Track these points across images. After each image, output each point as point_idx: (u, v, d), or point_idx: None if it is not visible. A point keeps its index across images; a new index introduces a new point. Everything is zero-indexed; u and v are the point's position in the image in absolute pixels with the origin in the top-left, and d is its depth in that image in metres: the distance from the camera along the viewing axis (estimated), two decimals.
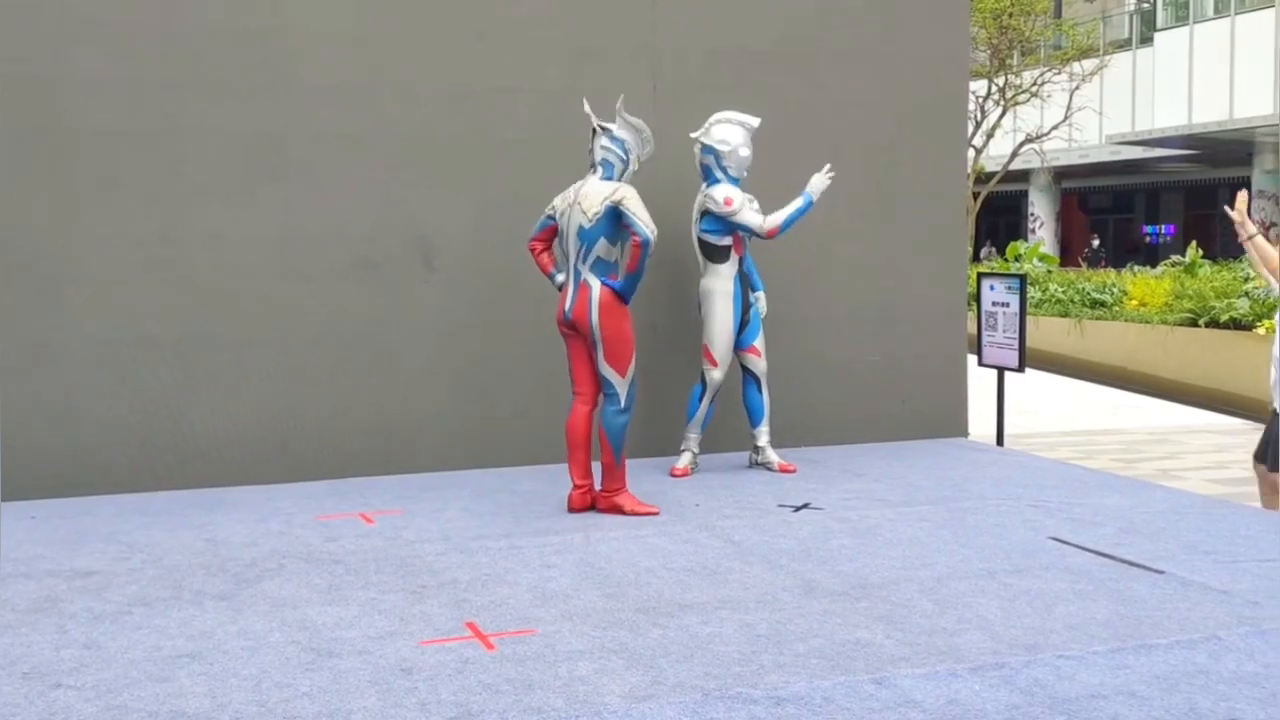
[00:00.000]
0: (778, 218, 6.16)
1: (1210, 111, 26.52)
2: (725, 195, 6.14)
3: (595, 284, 5.37)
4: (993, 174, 25.97)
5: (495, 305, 6.52)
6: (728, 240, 6.19)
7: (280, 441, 6.17)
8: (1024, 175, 32.82)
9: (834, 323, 7.12)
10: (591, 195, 5.40)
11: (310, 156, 6.19)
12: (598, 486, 5.52)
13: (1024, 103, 25.99)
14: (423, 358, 6.41)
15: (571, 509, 5.49)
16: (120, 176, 5.93)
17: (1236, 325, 13.14)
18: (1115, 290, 16.84)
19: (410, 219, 6.37)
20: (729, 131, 6.21)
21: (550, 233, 5.65)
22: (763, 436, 6.43)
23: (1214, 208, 35.54)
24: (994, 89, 25.23)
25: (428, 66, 6.37)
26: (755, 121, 6.25)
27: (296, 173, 6.18)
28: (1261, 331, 12.13)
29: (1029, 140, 25.99)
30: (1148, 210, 38.37)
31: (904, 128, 7.28)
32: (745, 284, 6.30)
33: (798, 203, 6.18)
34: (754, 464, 6.46)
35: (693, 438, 6.33)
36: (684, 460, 6.31)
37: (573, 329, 5.45)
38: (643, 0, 6.76)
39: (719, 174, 6.20)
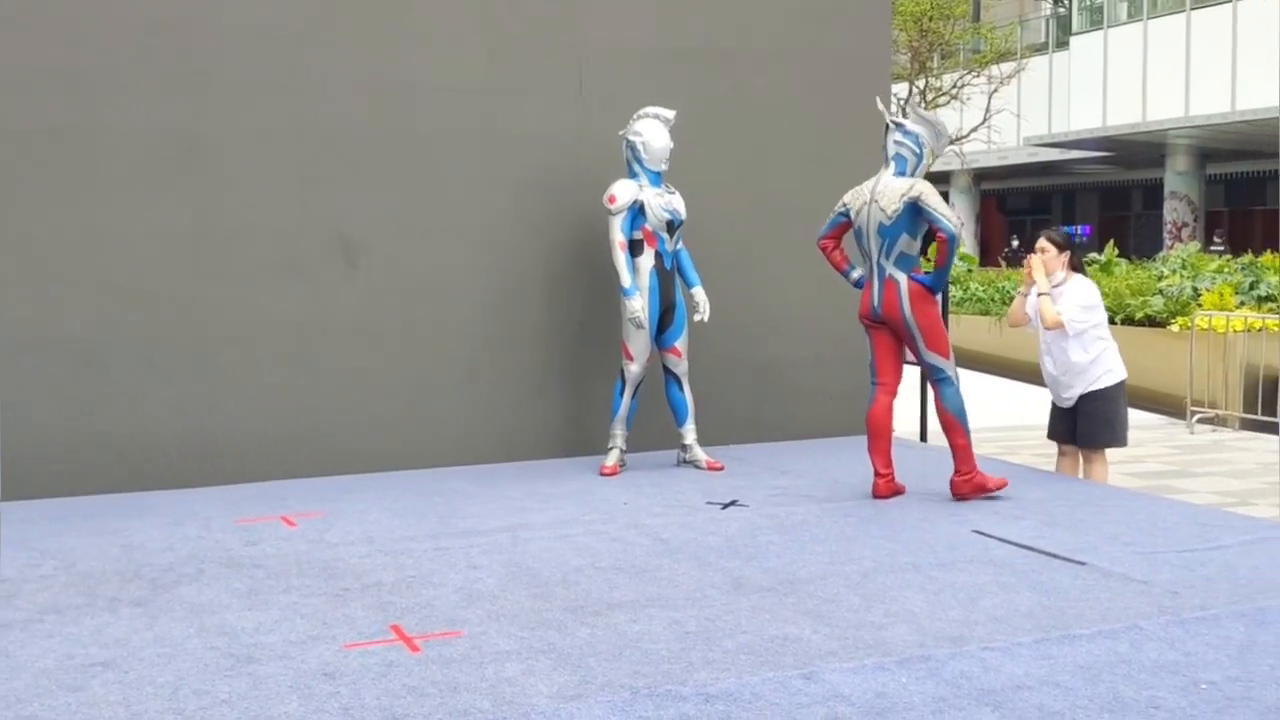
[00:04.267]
0: (620, 264, 6.06)
1: (1124, 114, 27.10)
2: (610, 193, 6.15)
3: (902, 279, 5.44)
4: None
5: (419, 304, 6.44)
6: (637, 234, 6.18)
7: (199, 444, 6.03)
8: (945, 177, 33.30)
9: (760, 321, 7.14)
10: (889, 192, 5.42)
11: (227, 153, 6.06)
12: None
13: (944, 105, 26.36)
14: (345, 357, 6.30)
15: (877, 496, 5.53)
16: (31, 174, 5.75)
17: (1151, 322, 13.42)
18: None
19: (331, 217, 6.26)
20: (644, 125, 6.23)
21: (842, 230, 5.67)
22: (689, 434, 6.43)
23: (1128, 209, 36.41)
24: (915, 91, 25.54)
25: (347, 61, 6.27)
26: (670, 114, 6.26)
27: (213, 169, 6.04)
28: (1175, 328, 12.41)
29: (949, 142, 26.37)
30: (1064, 211, 39.12)
31: (827, 129, 7.31)
32: (669, 281, 6.28)
33: (625, 279, 6.06)
34: (682, 462, 6.45)
35: (618, 434, 6.30)
36: (612, 458, 6.27)
37: (882, 323, 5.50)
38: None
39: (636, 166, 6.22)
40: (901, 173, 5.52)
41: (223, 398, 6.08)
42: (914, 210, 5.40)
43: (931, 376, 5.57)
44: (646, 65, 6.86)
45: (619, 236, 6.11)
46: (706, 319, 6.33)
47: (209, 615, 3.94)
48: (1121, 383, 6.17)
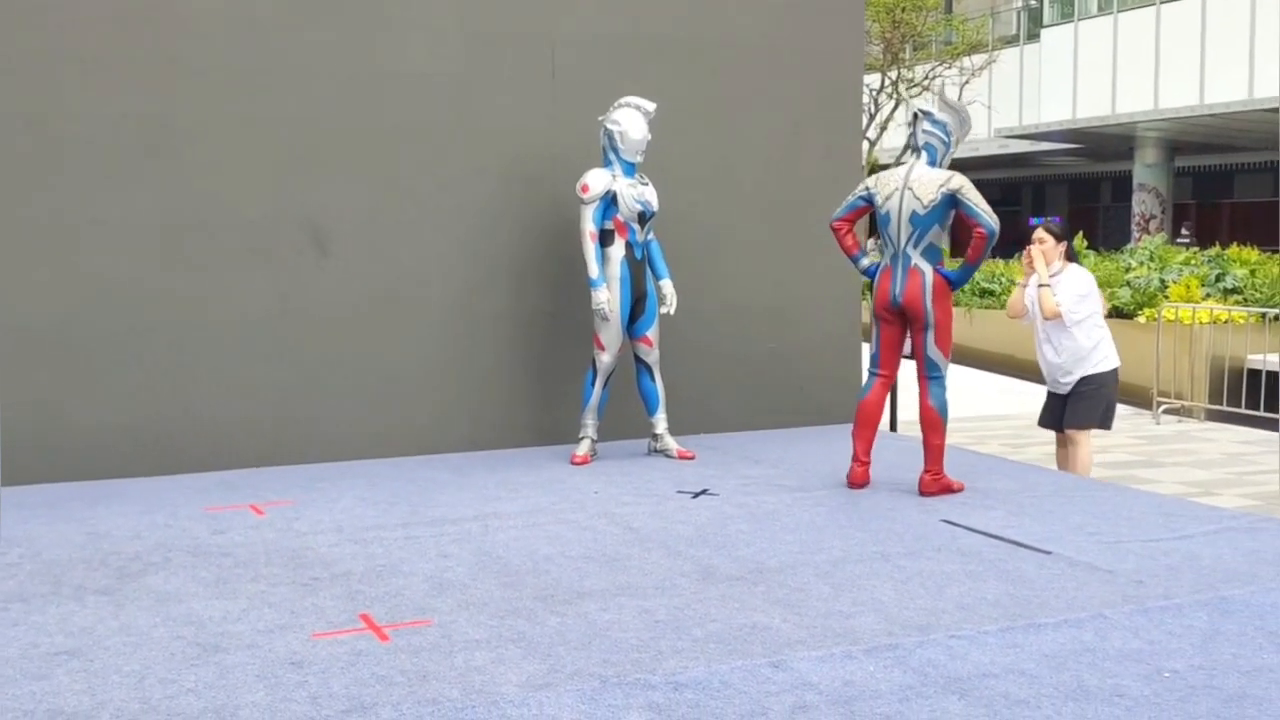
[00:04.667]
0: (589, 254, 6.03)
1: (1094, 106, 27.26)
2: (583, 182, 6.11)
3: (928, 270, 5.43)
4: (886, 166, 26.32)
5: (391, 292, 6.41)
6: (609, 224, 6.15)
7: (167, 432, 5.98)
8: None
9: (731, 311, 7.15)
10: (926, 181, 5.42)
11: (199, 141, 6.00)
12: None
13: (916, 96, 26.42)
14: (317, 345, 6.27)
15: (853, 484, 5.57)
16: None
17: (1119, 314, 13.52)
18: (1004, 280, 17.24)
19: (303, 205, 6.22)
20: (623, 114, 6.20)
21: (859, 214, 5.68)
22: (660, 424, 6.43)
23: (1097, 200, 36.65)
24: (887, 82, 25.59)
25: (320, 48, 6.22)
26: (651, 106, 6.23)
27: (185, 158, 5.98)
28: (1142, 320, 12.51)
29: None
30: (1034, 202, 39.33)
31: (800, 118, 7.32)
32: (639, 271, 6.27)
33: (593, 270, 6.03)
34: (653, 451, 6.46)
35: (589, 424, 6.29)
36: (583, 448, 6.26)
37: (899, 313, 5.50)
38: None
39: (611, 155, 6.19)
40: (933, 162, 5.51)
41: (192, 386, 6.04)
42: (950, 202, 5.41)
43: (927, 372, 5.51)
44: (619, 53, 6.84)
45: (590, 227, 6.09)
46: (672, 312, 6.32)
47: (176, 604, 3.91)
48: (1115, 370, 6.37)
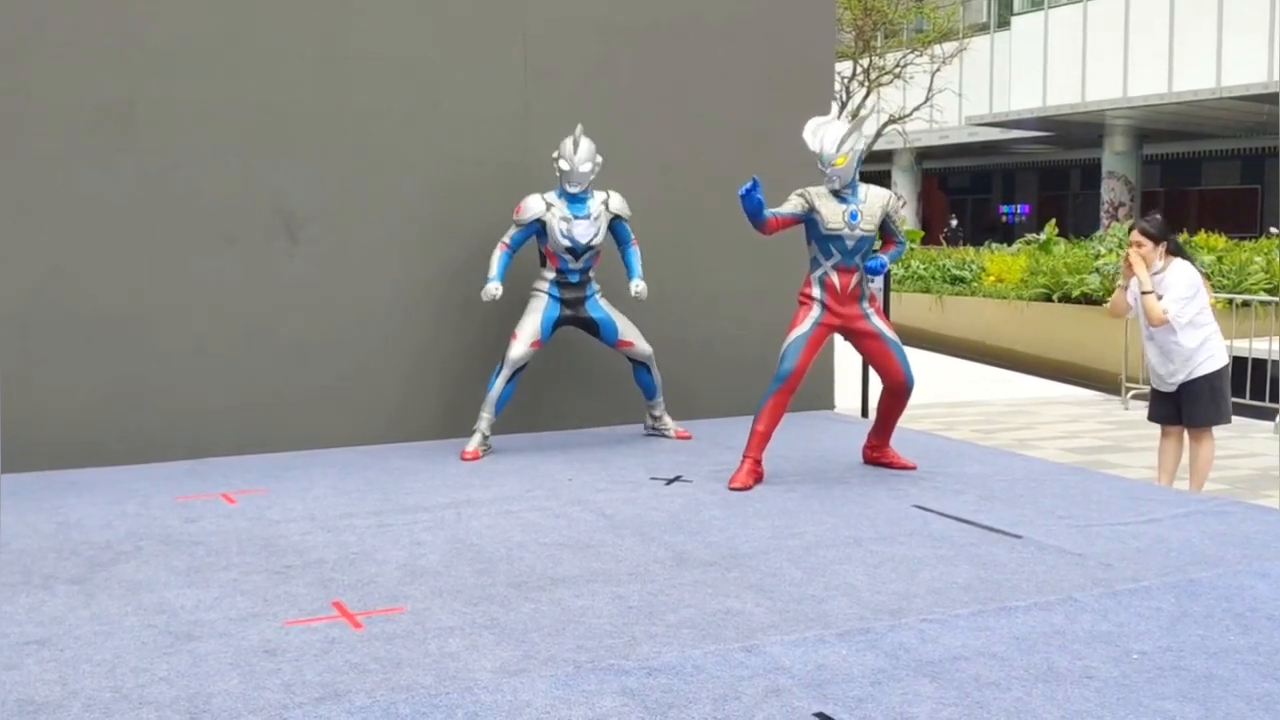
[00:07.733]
0: (493, 258, 6.09)
1: (1063, 94, 27.43)
2: (519, 204, 6.11)
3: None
4: None
5: (361, 279, 6.38)
6: (543, 249, 6.16)
7: (136, 421, 5.94)
8: (887, 155, 33.54)
9: (704, 299, 7.16)
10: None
11: (165, 125, 5.94)
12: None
13: (887, 84, 26.54)
14: (287, 333, 6.23)
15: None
16: None
17: (1088, 300, 13.63)
18: (974, 267, 17.36)
19: (272, 190, 6.18)
20: (567, 144, 6.10)
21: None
22: (659, 408, 6.59)
23: (1066, 188, 36.89)
24: (859, 70, 25.67)
25: (288, 32, 6.18)
26: (578, 131, 6.09)
27: (151, 142, 5.93)
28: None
29: (892, 121, 26.56)
30: (1004, 190, 39.56)
31: (772, 106, 7.32)
32: (574, 295, 6.18)
33: (491, 270, 6.05)
34: (650, 431, 6.62)
35: (485, 418, 6.09)
36: (472, 443, 6.06)
37: None
38: None
39: (560, 184, 6.16)
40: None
41: (161, 374, 5.99)
42: None
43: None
44: (590, 40, 6.82)
45: (505, 238, 6.12)
46: (642, 298, 6.26)
47: (147, 593, 3.89)
48: (1224, 368, 6.10)
